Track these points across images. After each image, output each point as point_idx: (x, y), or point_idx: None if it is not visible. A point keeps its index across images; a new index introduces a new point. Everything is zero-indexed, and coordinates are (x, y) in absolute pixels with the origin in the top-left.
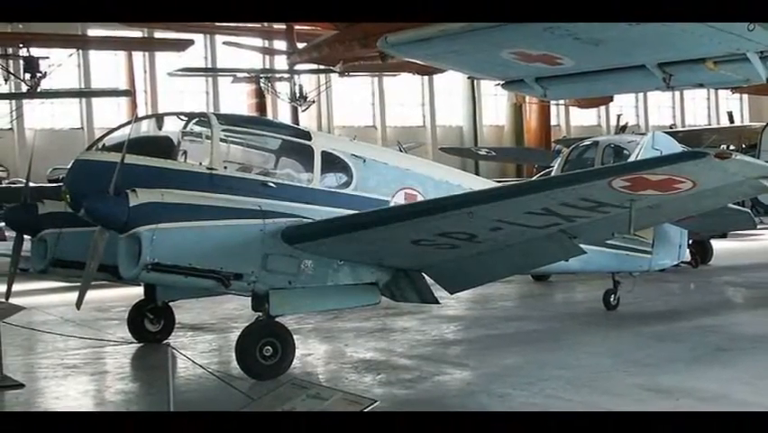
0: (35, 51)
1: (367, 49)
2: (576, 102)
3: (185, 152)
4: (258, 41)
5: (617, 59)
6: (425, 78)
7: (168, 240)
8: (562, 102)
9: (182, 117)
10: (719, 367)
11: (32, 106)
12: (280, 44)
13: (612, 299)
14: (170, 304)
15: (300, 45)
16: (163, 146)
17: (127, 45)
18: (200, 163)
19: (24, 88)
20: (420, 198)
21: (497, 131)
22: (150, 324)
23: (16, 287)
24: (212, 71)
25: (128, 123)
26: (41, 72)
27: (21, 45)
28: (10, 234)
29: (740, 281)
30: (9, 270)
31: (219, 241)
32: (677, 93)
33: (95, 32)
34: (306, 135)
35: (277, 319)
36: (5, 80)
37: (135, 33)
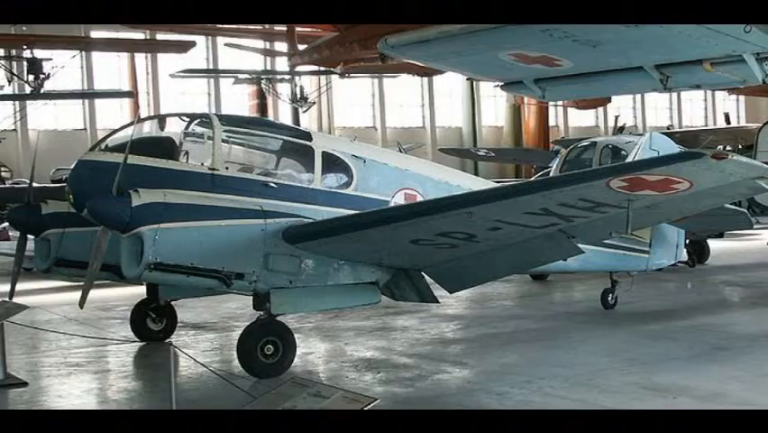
0: (38, 53)
1: (367, 50)
2: (574, 103)
3: (187, 153)
4: (259, 43)
5: (615, 60)
6: (425, 79)
7: (170, 240)
8: (560, 103)
9: (184, 118)
10: (716, 366)
11: (35, 107)
12: (281, 46)
13: (610, 299)
14: (172, 303)
15: (301, 47)
16: (165, 147)
17: (130, 47)
18: (202, 164)
19: (28, 90)
20: (420, 199)
21: (496, 132)
22: (152, 323)
23: (20, 286)
24: (213, 72)
25: (131, 123)
26: (44, 73)
27: (24, 47)
28: (14, 234)
29: (737, 281)
30: (13, 269)
31: (221, 241)
32: (674, 94)
33: (97, 33)
34: (307, 136)
35: (278, 318)
36: (9, 82)
37: (138, 35)
